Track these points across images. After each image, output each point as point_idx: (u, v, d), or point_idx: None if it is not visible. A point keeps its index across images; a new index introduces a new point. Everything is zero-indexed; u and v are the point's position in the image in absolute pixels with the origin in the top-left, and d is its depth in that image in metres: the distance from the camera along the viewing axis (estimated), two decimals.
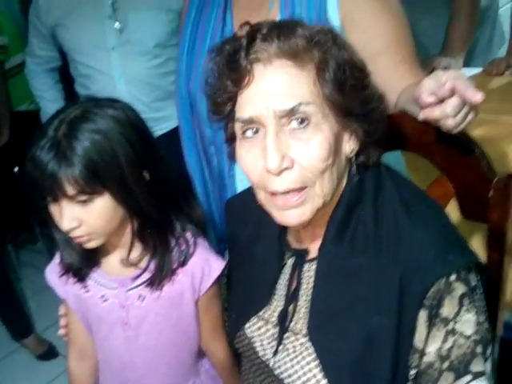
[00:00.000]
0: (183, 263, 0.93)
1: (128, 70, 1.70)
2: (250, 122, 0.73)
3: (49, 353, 2.30)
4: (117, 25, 1.65)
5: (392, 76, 0.94)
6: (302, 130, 0.72)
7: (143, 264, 0.93)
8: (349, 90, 0.74)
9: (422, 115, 0.77)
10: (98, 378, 1.08)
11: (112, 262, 0.96)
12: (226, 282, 1.03)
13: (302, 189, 0.74)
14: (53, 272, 0.99)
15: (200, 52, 1.10)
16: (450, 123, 0.75)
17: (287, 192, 0.74)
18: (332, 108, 0.73)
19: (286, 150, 0.72)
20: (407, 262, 0.74)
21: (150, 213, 0.88)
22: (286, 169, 0.72)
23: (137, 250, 0.93)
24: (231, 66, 0.74)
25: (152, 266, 0.93)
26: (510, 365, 1.34)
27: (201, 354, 1.08)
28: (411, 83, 0.88)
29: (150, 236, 0.91)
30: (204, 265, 0.95)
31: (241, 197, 1.00)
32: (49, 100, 1.96)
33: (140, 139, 0.86)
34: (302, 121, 0.72)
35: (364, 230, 0.78)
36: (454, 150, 0.90)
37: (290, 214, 0.75)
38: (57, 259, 0.99)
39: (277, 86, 0.71)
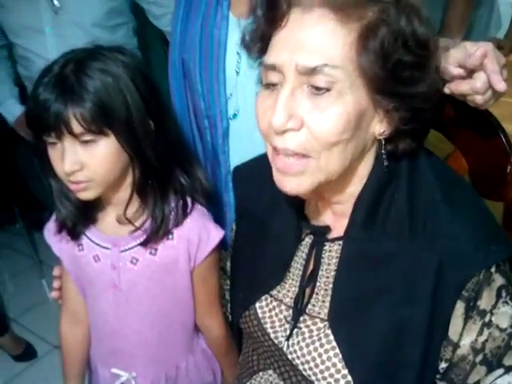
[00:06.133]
0: (178, 223, 0.88)
1: None
2: (271, 68, 0.66)
3: (27, 353, 2.08)
4: (56, 3, 1.55)
5: None
6: (321, 94, 0.63)
7: (139, 222, 0.89)
8: (393, 67, 0.63)
9: (448, 89, 0.71)
10: (89, 345, 1.04)
11: (108, 220, 0.92)
12: (231, 257, 0.98)
13: (303, 156, 0.66)
14: (50, 229, 0.96)
15: (194, 21, 1.04)
16: (479, 100, 0.69)
17: (288, 155, 0.67)
18: (366, 81, 0.64)
19: (296, 110, 0.64)
20: (446, 251, 0.68)
21: (152, 161, 0.84)
22: (292, 130, 0.65)
23: (134, 206, 0.89)
24: (269, 3, 0.67)
25: (148, 223, 0.88)
26: None
27: (197, 331, 1.02)
28: None
29: (151, 189, 0.87)
30: (201, 231, 0.90)
31: (250, 167, 0.93)
32: None
33: (147, 88, 0.83)
34: (325, 84, 0.63)
35: (398, 213, 0.71)
36: (471, 124, 0.83)
37: (286, 180, 0.69)
38: (54, 216, 0.96)
39: (307, 38, 0.63)
